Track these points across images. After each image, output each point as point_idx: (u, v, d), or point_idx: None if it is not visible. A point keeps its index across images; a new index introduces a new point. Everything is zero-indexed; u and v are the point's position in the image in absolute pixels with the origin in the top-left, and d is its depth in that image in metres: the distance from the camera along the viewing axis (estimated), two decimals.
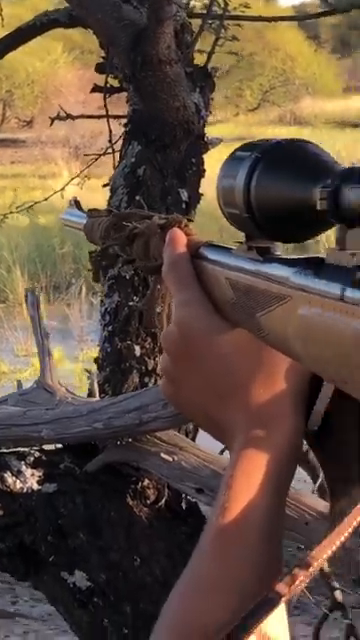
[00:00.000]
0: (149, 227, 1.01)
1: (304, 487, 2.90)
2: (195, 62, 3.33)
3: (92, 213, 1.19)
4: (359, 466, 0.73)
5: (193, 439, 2.93)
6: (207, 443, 2.07)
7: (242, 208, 0.75)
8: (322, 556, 0.68)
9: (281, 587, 0.66)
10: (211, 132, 3.44)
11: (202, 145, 3.34)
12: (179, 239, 0.86)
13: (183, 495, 2.87)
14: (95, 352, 3.33)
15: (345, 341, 0.63)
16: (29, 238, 12.68)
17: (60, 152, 19.46)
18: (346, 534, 0.69)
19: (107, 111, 3.67)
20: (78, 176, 4.91)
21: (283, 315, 0.71)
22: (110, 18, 3.08)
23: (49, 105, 19.99)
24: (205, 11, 3.76)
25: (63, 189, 4.56)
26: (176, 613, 0.74)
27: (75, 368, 8.13)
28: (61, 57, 24.78)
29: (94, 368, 3.26)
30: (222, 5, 3.87)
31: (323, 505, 2.41)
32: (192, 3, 4.22)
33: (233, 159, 0.77)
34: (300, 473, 3.04)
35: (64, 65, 24.82)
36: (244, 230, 0.78)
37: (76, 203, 1.29)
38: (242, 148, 0.77)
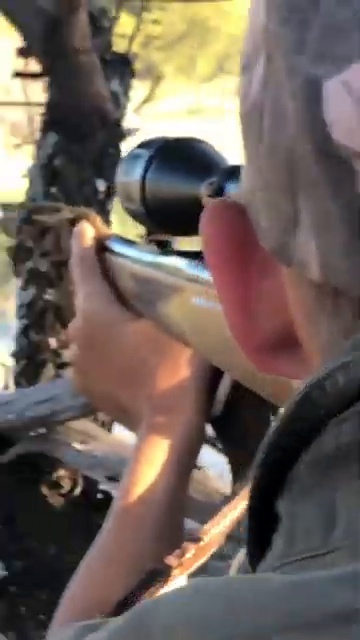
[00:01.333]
0: (60, 221, 1.03)
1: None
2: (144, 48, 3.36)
3: (6, 207, 1.21)
4: (251, 451, 0.77)
5: (109, 429, 2.95)
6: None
7: (139, 203, 0.77)
8: (210, 530, 0.73)
9: (170, 560, 0.71)
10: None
11: (120, 134, 3.36)
12: (84, 233, 0.88)
13: (99, 484, 2.90)
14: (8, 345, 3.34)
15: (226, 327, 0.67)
16: None
17: None
18: (235, 512, 0.74)
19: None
20: None
21: (178, 305, 0.74)
22: (24, 6, 3.08)
23: None
24: None
25: None
26: (78, 587, 0.78)
27: None
28: None
29: (9, 361, 3.28)
30: None
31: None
32: None
33: (130, 157, 0.79)
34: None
35: None
36: (143, 224, 0.80)
37: None
38: (140, 145, 0.80)
